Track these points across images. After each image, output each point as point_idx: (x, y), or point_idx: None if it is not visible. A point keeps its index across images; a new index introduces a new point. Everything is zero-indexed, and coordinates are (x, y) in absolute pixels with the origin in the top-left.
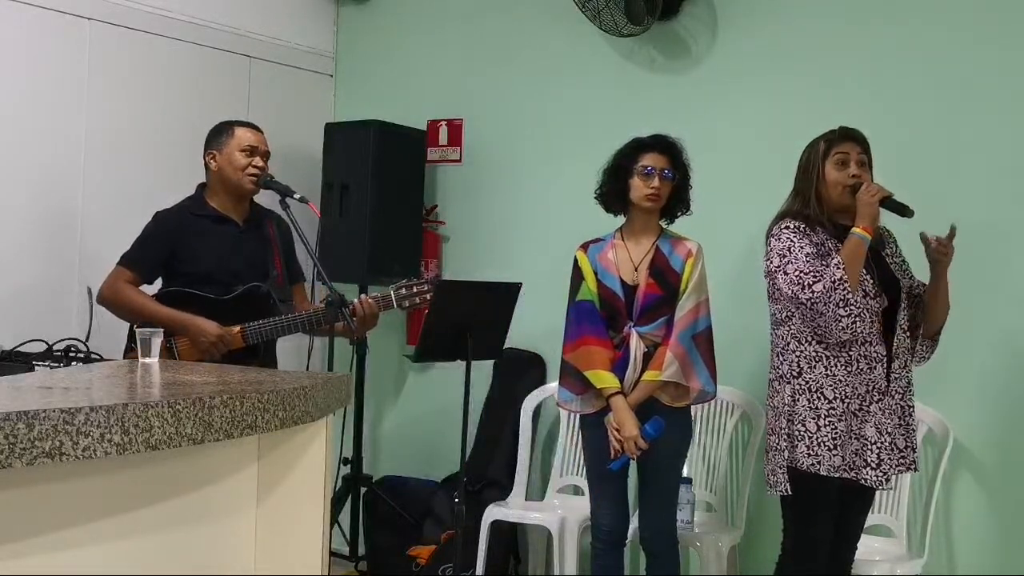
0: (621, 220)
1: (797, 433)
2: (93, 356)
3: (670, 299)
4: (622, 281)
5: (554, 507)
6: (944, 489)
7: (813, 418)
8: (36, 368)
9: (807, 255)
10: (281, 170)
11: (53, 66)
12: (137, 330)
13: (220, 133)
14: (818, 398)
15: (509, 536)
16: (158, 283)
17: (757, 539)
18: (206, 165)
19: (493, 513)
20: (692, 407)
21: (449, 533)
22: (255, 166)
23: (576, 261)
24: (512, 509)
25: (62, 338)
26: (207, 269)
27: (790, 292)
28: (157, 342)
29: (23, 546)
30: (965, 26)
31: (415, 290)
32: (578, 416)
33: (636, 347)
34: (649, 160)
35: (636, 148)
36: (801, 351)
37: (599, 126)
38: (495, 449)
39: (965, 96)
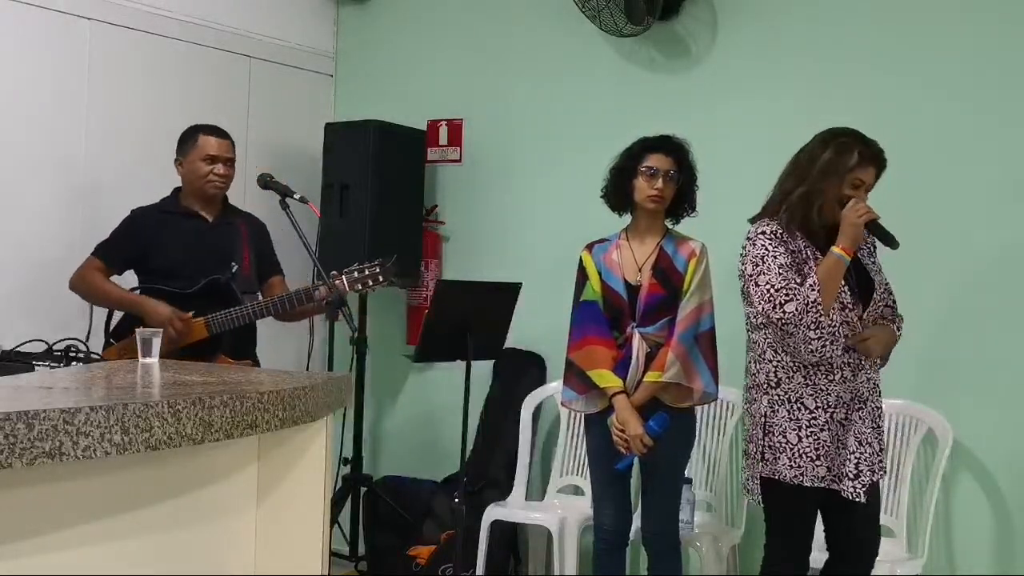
0: (624, 220)
1: (778, 445)
2: (93, 356)
3: (673, 299)
4: (625, 281)
5: (554, 507)
6: (944, 489)
7: (794, 429)
8: (36, 368)
9: (780, 267)
10: (281, 170)
11: (53, 66)
12: (138, 331)
13: (186, 140)
14: (798, 409)
15: (509, 536)
16: (132, 281)
17: (757, 539)
18: (177, 169)
19: (493, 513)
20: (695, 408)
21: (449, 533)
22: (216, 173)
23: (581, 262)
24: (512, 509)
25: (62, 338)
26: (173, 263)
27: (761, 308)
28: (157, 342)
29: (23, 546)
30: (966, 26)
31: (366, 273)
32: (582, 416)
33: (638, 347)
34: (653, 161)
35: (642, 148)
36: (778, 360)
37: (599, 126)
38: (495, 449)
39: (967, 97)
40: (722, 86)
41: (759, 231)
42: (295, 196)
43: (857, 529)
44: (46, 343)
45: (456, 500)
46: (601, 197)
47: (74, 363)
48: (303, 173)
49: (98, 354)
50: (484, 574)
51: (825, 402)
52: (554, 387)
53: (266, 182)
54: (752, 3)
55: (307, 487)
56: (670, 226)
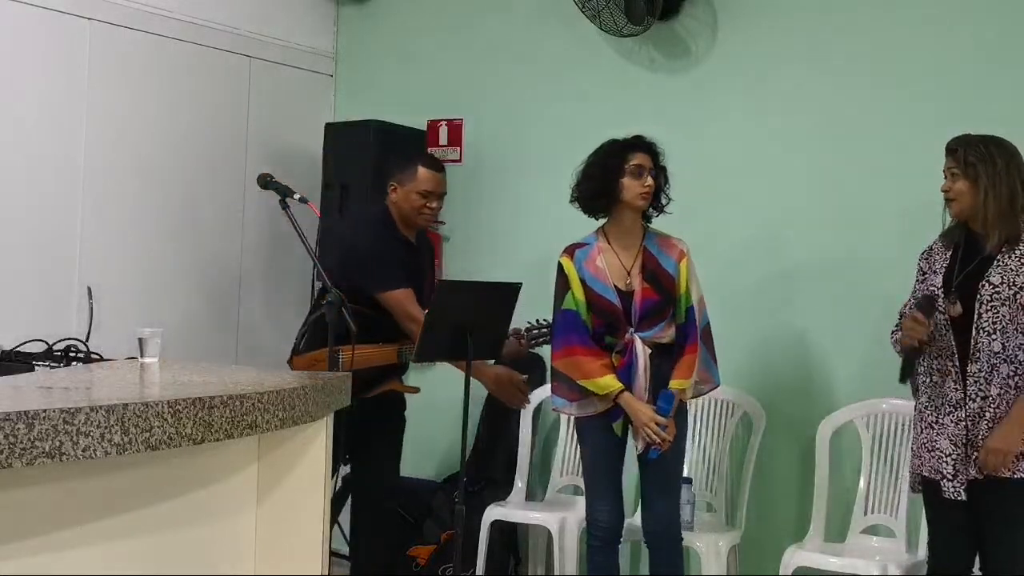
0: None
1: (914, 437)
2: (93, 356)
3: (666, 302)
4: (616, 288)
5: (554, 507)
6: None
7: (918, 421)
8: (36, 368)
9: (917, 281)
10: (281, 170)
11: (53, 66)
12: (136, 330)
13: (406, 168)
14: (918, 404)
15: (509, 536)
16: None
17: (757, 539)
18: (387, 192)
19: (493, 513)
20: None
21: (449, 533)
22: (429, 207)
23: (561, 267)
24: (512, 509)
25: (62, 338)
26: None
27: None
28: (156, 342)
29: (23, 546)
30: (967, 26)
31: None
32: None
33: (641, 351)
34: (639, 159)
35: (624, 148)
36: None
37: (599, 126)
38: (495, 449)
39: (968, 96)
40: (722, 86)
41: None
42: (295, 196)
43: (987, 538)
44: (46, 343)
45: (456, 500)
46: (573, 201)
47: (74, 363)
48: (303, 173)
49: (98, 354)
50: (484, 574)
51: (922, 404)
52: None
53: (266, 182)
54: (752, 3)
55: (307, 487)
56: (646, 225)
